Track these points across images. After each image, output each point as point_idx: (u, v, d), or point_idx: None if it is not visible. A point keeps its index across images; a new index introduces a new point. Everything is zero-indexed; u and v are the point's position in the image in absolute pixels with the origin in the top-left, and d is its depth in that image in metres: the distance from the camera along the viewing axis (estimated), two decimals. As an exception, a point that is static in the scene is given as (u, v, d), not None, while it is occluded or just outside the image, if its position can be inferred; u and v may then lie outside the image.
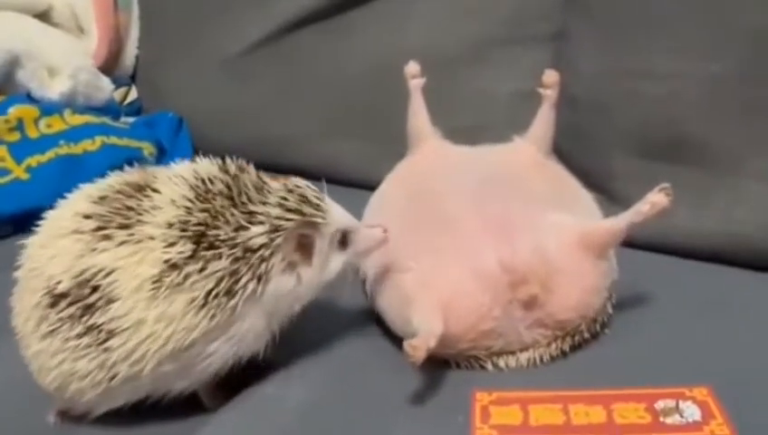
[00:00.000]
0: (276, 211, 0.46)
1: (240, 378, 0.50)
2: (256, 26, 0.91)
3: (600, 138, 0.70)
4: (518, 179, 0.57)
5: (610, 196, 0.66)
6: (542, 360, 0.50)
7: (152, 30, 1.02)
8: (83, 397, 0.47)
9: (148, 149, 0.89)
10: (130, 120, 0.97)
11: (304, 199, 0.47)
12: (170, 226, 0.44)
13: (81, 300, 0.44)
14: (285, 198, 0.47)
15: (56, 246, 0.46)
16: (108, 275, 0.44)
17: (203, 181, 0.46)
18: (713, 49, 0.63)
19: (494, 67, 0.79)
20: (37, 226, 0.53)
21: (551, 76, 0.59)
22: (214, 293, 0.44)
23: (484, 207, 0.52)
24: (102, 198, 0.47)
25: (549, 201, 0.54)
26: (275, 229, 0.45)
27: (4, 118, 0.81)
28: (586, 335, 0.50)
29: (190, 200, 0.45)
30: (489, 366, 0.50)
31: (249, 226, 0.45)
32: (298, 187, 0.48)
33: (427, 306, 0.47)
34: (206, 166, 0.48)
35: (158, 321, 0.43)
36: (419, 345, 0.44)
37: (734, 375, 0.47)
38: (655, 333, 0.52)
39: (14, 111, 0.82)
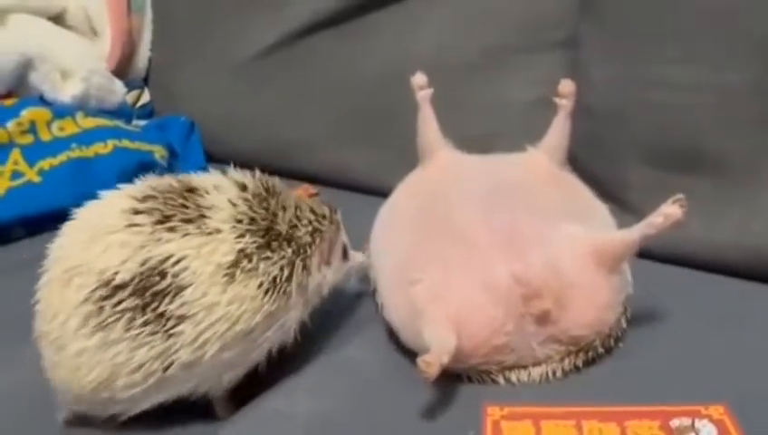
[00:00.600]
0: (310, 216, 0.52)
1: (249, 390, 0.50)
2: (269, 31, 0.91)
3: (614, 147, 0.69)
4: (531, 190, 0.56)
5: (624, 205, 0.65)
6: (554, 375, 0.49)
7: (165, 33, 1.02)
8: (129, 392, 0.47)
9: (159, 152, 0.89)
10: (142, 123, 0.97)
11: (327, 209, 0.54)
12: (239, 221, 0.48)
13: (150, 288, 0.45)
14: (311, 207, 0.53)
15: (107, 241, 0.46)
16: (177, 262, 0.46)
17: (243, 186, 0.51)
18: (728, 59, 0.62)
19: (507, 74, 0.78)
20: (52, 228, 0.54)
21: (567, 86, 0.58)
22: (278, 279, 0.48)
23: (496, 219, 0.52)
24: (148, 197, 0.48)
25: (562, 213, 0.53)
26: (315, 230, 0.52)
27: (16, 120, 0.81)
28: (600, 350, 0.50)
29: (247, 200, 0.49)
30: (501, 380, 0.49)
31: (298, 224, 0.51)
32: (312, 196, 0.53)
33: (439, 320, 0.47)
34: (236, 173, 0.52)
35: (232, 302, 0.46)
36: (433, 361, 0.43)
37: (750, 392, 0.46)
38: (669, 348, 0.52)
39: (26, 113, 0.82)
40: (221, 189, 0.50)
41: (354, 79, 0.85)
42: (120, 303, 0.45)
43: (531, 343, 0.48)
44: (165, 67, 1.02)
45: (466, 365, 0.48)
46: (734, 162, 0.62)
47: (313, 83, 0.88)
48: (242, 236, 0.48)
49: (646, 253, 0.62)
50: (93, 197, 0.78)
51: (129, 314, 0.45)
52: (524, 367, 0.49)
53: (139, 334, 0.45)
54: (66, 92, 0.88)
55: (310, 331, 0.52)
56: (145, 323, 0.45)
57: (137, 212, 0.47)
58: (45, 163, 0.80)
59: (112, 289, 0.46)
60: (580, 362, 0.49)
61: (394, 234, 0.58)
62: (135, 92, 1.01)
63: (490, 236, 0.51)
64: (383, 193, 0.77)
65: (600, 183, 0.67)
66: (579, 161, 0.70)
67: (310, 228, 0.51)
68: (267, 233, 0.49)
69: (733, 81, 0.62)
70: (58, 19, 0.96)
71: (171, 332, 0.45)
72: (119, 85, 0.95)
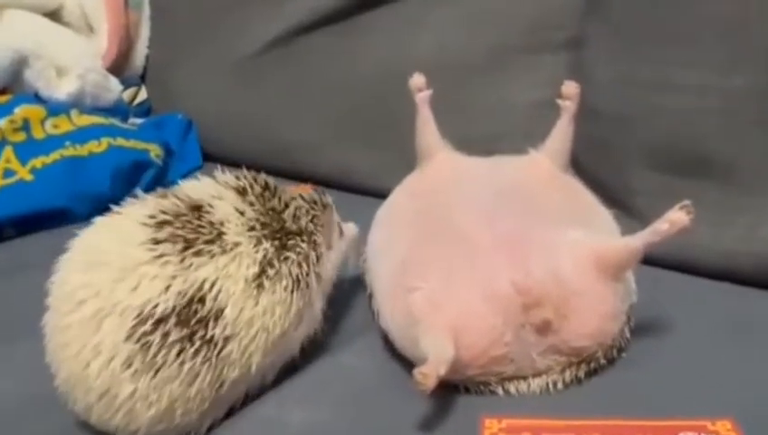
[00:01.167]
0: (305, 205, 0.52)
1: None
2: (268, 28, 0.89)
3: (618, 151, 0.67)
4: (533, 195, 0.55)
5: (629, 211, 0.64)
6: (555, 386, 0.47)
7: (163, 30, 1.01)
8: (186, 419, 0.46)
9: (155, 151, 0.87)
10: (139, 121, 0.96)
11: (316, 195, 0.55)
12: (251, 229, 0.49)
13: (193, 316, 0.45)
14: (302, 196, 0.53)
15: (136, 275, 0.45)
16: (212, 286, 0.46)
17: (242, 190, 0.51)
18: (735, 62, 0.60)
19: (510, 75, 0.77)
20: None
21: (570, 87, 0.57)
22: (299, 276, 0.49)
23: (497, 225, 0.50)
24: (163, 223, 0.47)
25: (564, 218, 0.52)
26: (314, 217, 0.52)
27: (9, 118, 0.80)
28: (602, 361, 0.48)
29: (251, 204, 0.50)
30: (500, 392, 0.48)
31: (301, 217, 0.51)
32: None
33: (437, 329, 0.45)
34: (227, 177, 0.52)
35: (266, 312, 0.47)
36: (429, 373, 0.42)
37: (759, 406, 0.45)
38: (675, 359, 0.50)
39: (20, 111, 0.81)
40: (223, 199, 0.50)
41: (354, 78, 0.84)
42: (167, 335, 0.44)
43: (531, 354, 0.47)
44: (163, 65, 1.01)
45: (464, 376, 0.47)
46: (743, 168, 0.60)
47: (313, 82, 0.86)
48: (259, 243, 0.48)
49: (651, 259, 0.60)
50: (87, 195, 0.79)
51: (178, 346, 0.44)
52: (524, 378, 0.47)
53: (192, 365, 0.45)
54: (61, 90, 0.86)
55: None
56: (196, 353, 0.45)
57: (157, 242, 0.46)
58: (38, 162, 0.79)
59: (154, 324, 0.44)
60: (581, 374, 0.48)
61: (392, 238, 0.56)
62: (132, 90, 0.99)
63: (491, 243, 0.49)
64: (383, 194, 0.75)
65: (604, 188, 0.65)
66: (583, 165, 0.68)
67: (309, 217, 0.52)
68: (280, 233, 0.49)
69: (739, 85, 0.60)
70: (54, 15, 0.94)
71: (220, 355, 0.45)
72: (114, 83, 0.93)
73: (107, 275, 0.46)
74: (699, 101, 0.62)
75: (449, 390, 0.47)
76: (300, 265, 0.49)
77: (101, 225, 0.49)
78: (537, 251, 0.47)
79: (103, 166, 0.81)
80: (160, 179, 0.87)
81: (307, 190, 0.82)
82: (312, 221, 0.52)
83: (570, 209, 0.54)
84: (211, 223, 0.48)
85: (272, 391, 0.50)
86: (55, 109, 0.84)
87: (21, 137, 0.80)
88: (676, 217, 0.46)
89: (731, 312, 0.56)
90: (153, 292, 0.45)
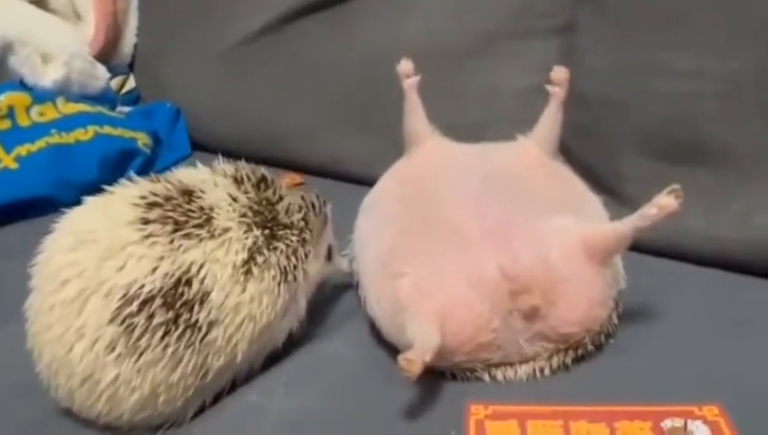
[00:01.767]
0: (301, 202, 0.52)
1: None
2: (258, 15, 0.89)
3: (610, 137, 0.67)
4: (522, 182, 0.54)
5: (620, 198, 0.63)
6: (542, 373, 0.47)
7: (151, 18, 1.00)
8: (169, 407, 0.45)
9: (142, 139, 0.87)
10: (127, 109, 0.95)
11: (315, 198, 0.54)
12: (243, 215, 0.48)
13: (179, 299, 0.44)
14: (301, 195, 0.53)
15: (124, 255, 0.45)
16: (199, 269, 0.45)
17: (238, 179, 0.50)
18: (730, 46, 0.60)
19: (499, 61, 0.76)
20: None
21: (560, 72, 0.56)
22: (286, 268, 0.49)
23: (485, 212, 0.50)
24: (153, 205, 0.47)
25: (553, 205, 0.51)
26: (306, 215, 0.52)
27: (-6, 105, 0.79)
28: (590, 347, 0.48)
29: (245, 192, 0.50)
30: (486, 378, 0.47)
31: (293, 211, 0.51)
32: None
33: (424, 316, 0.45)
34: (225, 167, 0.52)
35: (253, 300, 0.47)
36: (415, 359, 0.41)
37: (747, 392, 0.45)
38: (663, 345, 0.50)
39: (4, 98, 0.80)
40: (217, 185, 0.49)
41: (344, 65, 0.83)
42: (151, 317, 0.43)
43: (518, 340, 0.46)
44: (151, 53, 1.00)
45: (451, 363, 0.46)
46: (736, 153, 0.60)
47: (303, 69, 0.86)
48: (249, 229, 0.48)
49: (642, 246, 0.60)
50: (73, 184, 0.78)
51: (163, 329, 0.43)
52: (511, 365, 0.47)
53: (176, 349, 0.44)
54: (47, 77, 0.85)
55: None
56: (180, 336, 0.44)
57: (147, 222, 0.46)
58: (23, 149, 0.78)
59: (140, 305, 0.43)
60: (569, 360, 0.47)
61: (379, 225, 0.56)
62: (120, 78, 0.98)
63: (479, 230, 0.49)
64: (375, 182, 0.75)
65: (595, 175, 0.65)
66: (573, 152, 0.68)
67: (302, 214, 0.52)
68: (271, 222, 0.49)
69: (735, 69, 0.59)
70: (40, 2, 0.93)
71: (204, 341, 0.45)
72: (102, 70, 0.92)
73: (93, 254, 0.45)
74: (693, 85, 0.61)
75: (435, 376, 0.47)
76: (288, 258, 0.49)
77: (91, 204, 0.49)
78: (525, 238, 0.47)
79: (90, 154, 0.80)
80: (148, 168, 0.87)
81: (297, 179, 0.82)
82: (303, 219, 0.51)
83: (558, 196, 0.54)
84: (201, 208, 0.47)
85: (258, 378, 0.49)
86: (41, 96, 0.83)
87: (6, 124, 0.79)
88: (664, 202, 0.45)
89: (721, 299, 0.55)
90: (140, 272, 0.44)
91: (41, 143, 0.78)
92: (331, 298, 0.57)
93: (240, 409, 0.47)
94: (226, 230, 0.47)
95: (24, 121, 0.80)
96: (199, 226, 0.46)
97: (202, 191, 0.49)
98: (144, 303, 0.43)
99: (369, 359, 0.51)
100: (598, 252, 0.47)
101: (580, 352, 0.47)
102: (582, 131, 0.68)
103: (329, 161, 0.84)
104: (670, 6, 0.63)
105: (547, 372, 0.47)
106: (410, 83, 0.60)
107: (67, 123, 0.81)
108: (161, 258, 0.44)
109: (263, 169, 0.52)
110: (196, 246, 0.46)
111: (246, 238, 0.47)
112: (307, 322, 0.52)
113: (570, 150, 0.68)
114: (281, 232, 0.49)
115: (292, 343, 0.52)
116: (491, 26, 0.76)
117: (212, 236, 0.46)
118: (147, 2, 1.00)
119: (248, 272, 0.47)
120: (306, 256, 0.51)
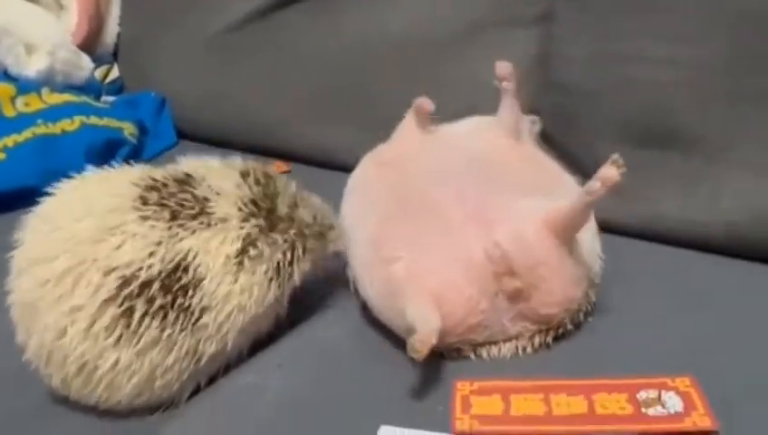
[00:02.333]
0: (314, 203, 0.54)
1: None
2: (241, 3, 0.89)
3: (586, 122, 0.69)
4: (498, 165, 0.56)
5: (596, 181, 0.65)
6: (524, 351, 0.49)
7: (134, 6, 1.00)
8: (165, 392, 0.46)
9: (128, 129, 0.87)
10: (111, 99, 0.95)
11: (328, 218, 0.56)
12: (243, 204, 0.49)
13: (176, 283, 0.45)
14: (308, 195, 0.54)
15: (120, 232, 0.45)
16: (195, 256, 0.46)
17: (244, 173, 0.51)
18: (701, 34, 0.62)
19: (481, 50, 0.77)
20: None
21: (503, 68, 0.57)
22: (281, 264, 0.49)
23: (466, 195, 0.51)
24: (152, 188, 0.47)
25: (528, 187, 0.53)
26: (314, 217, 0.53)
27: (-22, 96, 0.79)
28: (569, 327, 0.50)
29: (248, 185, 0.50)
30: (472, 356, 0.49)
31: (300, 207, 0.52)
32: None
33: (422, 299, 0.46)
34: (236, 161, 0.53)
35: (243, 291, 0.47)
36: (425, 340, 0.43)
37: (717, 365, 0.47)
38: (637, 322, 0.52)
39: (-11, 88, 0.80)
40: (223, 175, 0.50)
41: (328, 54, 0.84)
42: (152, 300, 0.44)
43: (502, 320, 0.48)
44: (134, 42, 1.00)
45: (442, 344, 0.47)
46: (706, 139, 0.62)
47: (288, 58, 0.86)
48: (246, 220, 0.48)
49: (618, 228, 0.62)
50: (60, 174, 0.78)
51: (162, 313, 0.44)
52: (495, 343, 0.49)
53: (172, 333, 0.45)
54: (31, 67, 0.86)
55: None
56: (175, 320, 0.45)
57: (146, 202, 0.46)
58: (9, 140, 0.78)
59: (140, 287, 0.44)
60: (550, 339, 0.49)
61: (365, 207, 0.57)
62: (104, 68, 0.99)
63: (462, 214, 0.50)
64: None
65: (573, 160, 0.66)
66: (551, 137, 0.70)
67: (311, 214, 0.52)
68: (270, 214, 0.50)
69: (706, 57, 0.61)
70: (23, -8, 0.93)
71: (196, 325, 0.45)
72: (86, 60, 0.92)
73: (88, 226, 0.45)
74: (666, 72, 0.63)
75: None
76: (284, 254, 0.49)
77: (88, 178, 0.49)
78: (503, 221, 0.48)
79: (77, 144, 0.80)
80: (135, 158, 0.87)
81: (283, 167, 0.84)
82: (312, 218, 0.52)
83: (534, 178, 0.55)
84: (201, 196, 0.48)
85: (251, 361, 0.51)
86: (25, 87, 0.83)
87: (-9, 115, 0.80)
88: (607, 174, 0.45)
89: (694, 278, 0.57)
90: (138, 254, 0.44)
91: (27, 134, 0.79)
92: (321, 279, 0.59)
93: (237, 389, 0.49)
94: (224, 220, 0.48)
95: (9, 112, 0.80)
96: (193, 216, 0.47)
97: (203, 179, 0.49)
98: (144, 285, 0.44)
99: (360, 338, 0.52)
100: (559, 230, 0.47)
101: (560, 331, 0.49)
102: (560, 117, 0.70)
103: (314, 150, 0.85)
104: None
105: (529, 350, 0.49)
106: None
107: (53, 113, 0.81)
108: (159, 243, 0.45)
109: (272, 171, 0.53)
110: (189, 236, 0.46)
111: (242, 228, 0.48)
112: (297, 304, 0.53)
113: (548, 135, 0.70)
114: (279, 225, 0.50)
115: (284, 326, 0.53)
116: (473, 16, 0.77)
117: (209, 226, 0.47)
118: (129, -9, 1.01)
119: (241, 262, 0.47)
120: (304, 253, 0.51)
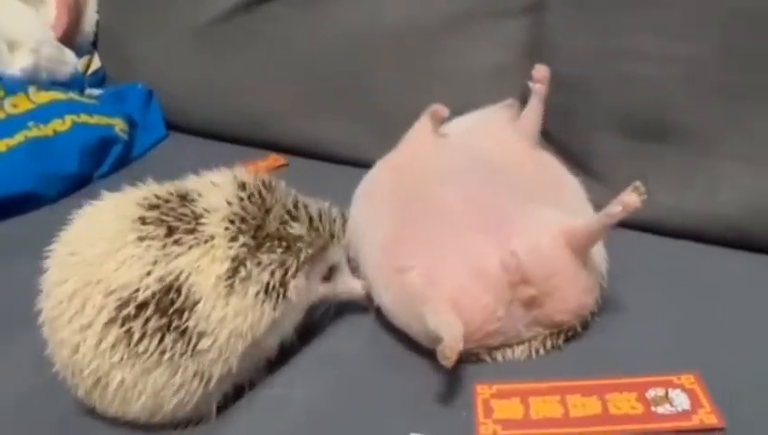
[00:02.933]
0: (305, 212, 0.51)
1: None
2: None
3: (582, 116, 0.70)
4: (507, 168, 0.57)
5: (593, 175, 0.67)
6: (537, 353, 0.51)
7: (112, -7, 0.97)
8: (181, 411, 0.47)
9: (119, 125, 0.86)
10: (96, 91, 0.93)
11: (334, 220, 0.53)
12: (231, 222, 0.48)
13: (170, 305, 0.45)
14: (320, 210, 0.52)
15: (120, 254, 0.45)
16: (188, 277, 0.45)
17: (242, 185, 0.50)
18: (696, 29, 0.63)
19: (473, 40, 0.78)
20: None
21: (541, 71, 0.58)
22: (269, 284, 0.47)
23: (477, 201, 0.53)
24: (152, 206, 0.47)
25: (537, 192, 0.55)
26: (308, 229, 0.50)
27: (-36, 99, 0.78)
28: (579, 329, 0.52)
29: (242, 199, 0.49)
30: (487, 359, 0.51)
31: (291, 222, 0.49)
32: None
33: (442, 306, 0.48)
34: (240, 173, 0.52)
35: (237, 315, 0.46)
36: (453, 346, 0.45)
37: (719, 360, 0.49)
38: (643, 320, 0.54)
39: (-25, 91, 0.78)
40: (219, 188, 0.50)
41: (318, 46, 0.83)
42: (147, 321, 0.44)
43: (518, 326, 0.50)
44: (115, 30, 0.97)
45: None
46: (700, 132, 0.64)
47: (276, 50, 0.85)
48: (234, 239, 0.47)
49: (619, 222, 0.64)
50: (55, 177, 0.78)
51: (159, 334, 0.44)
52: (509, 346, 0.51)
53: (173, 356, 0.45)
54: (14, 65, 0.84)
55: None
56: (174, 343, 0.45)
57: (144, 222, 0.46)
58: (2, 144, 0.77)
59: (137, 308, 0.44)
60: (561, 341, 0.52)
61: (375, 212, 0.57)
62: (85, 59, 0.96)
63: (474, 221, 0.52)
64: (352, 162, 0.77)
65: (568, 153, 0.68)
66: (546, 131, 0.71)
67: (306, 224, 0.50)
68: (258, 231, 0.48)
69: (699, 51, 0.63)
70: (-3, -14, 0.90)
71: (197, 350, 0.45)
72: (70, 56, 0.90)
73: (94, 249, 0.46)
74: (661, 66, 0.64)
75: (437, 360, 0.50)
76: (273, 273, 0.47)
77: (105, 201, 0.50)
78: (518, 230, 0.50)
79: (70, 145, 0.79)
80: (127, 154, 0.87)
81: (279, 161, 0.84)
82: (301, 231, 0.49)
83: (542, 183, 0.57)
84: (193, 212, 0.48)
85: (274, 372, 0.52)
86: (11, 87, 0.81)
87: (-20, 119, 0.78)
88: (628, 200, 0.47)
89: (692, 270, 0.59)
90: (134, 274, 0.45)
91: (20, 137, 0.77)
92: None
93: (264, 401, 0.50)
94: (212, 237, 0.47)
95: (-2, 115, 0.79)
96: (189, 231, 0.47)
97: (199, 195, 0.49)
98: (140, 307, 0.44)
99: (378, 348, 0.54)
100: (575, 245, 0.50)
101: (570, 333, 0.52)
102: (555, 110, 0.71)
103: (307, 142, 0.85)
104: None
105: (542, 352, 0.51)
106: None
107: (43, 114, 0.80)
108: (155, 262, 0.45)
109: (272, 180, 0.52)
110: (184, 253, 0.46)
111: (230, 248, 0.47)
112: (312, 315, 0.54)
113: (544, 128, 0.71)
114: (267, 243, 0.48)
115: (300, 337, 0.54)
116: (464, 7, 0.77)
117: (199, 244, 0.46)
118: (106, -24, 0.98)
119: (231, 285, 0.46)
120: (297, 270, 0.49)
